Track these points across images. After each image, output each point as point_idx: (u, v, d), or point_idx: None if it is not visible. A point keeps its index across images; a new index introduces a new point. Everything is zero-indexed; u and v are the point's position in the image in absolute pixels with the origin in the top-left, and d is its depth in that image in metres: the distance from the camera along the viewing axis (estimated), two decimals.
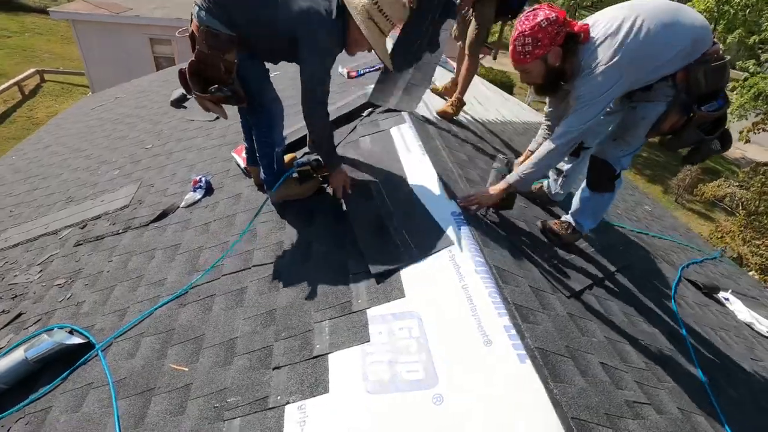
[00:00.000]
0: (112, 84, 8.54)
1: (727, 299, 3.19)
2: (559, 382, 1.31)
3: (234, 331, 1.73)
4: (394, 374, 1.37)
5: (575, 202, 2.35)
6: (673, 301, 2.46)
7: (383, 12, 1.90)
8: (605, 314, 1.89)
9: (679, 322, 2.25)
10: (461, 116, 3.46)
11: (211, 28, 1.85)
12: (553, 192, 2.73)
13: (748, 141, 12.44)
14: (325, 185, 2.39)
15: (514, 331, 1.39)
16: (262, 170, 2.33)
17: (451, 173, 2.29)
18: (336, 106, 3.04)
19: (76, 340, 1.88)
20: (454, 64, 4.11)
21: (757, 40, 11.04)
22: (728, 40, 11.86)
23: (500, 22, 3.66)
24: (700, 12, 10.07)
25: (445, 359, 1.38)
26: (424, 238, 1.83)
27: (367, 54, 2.12)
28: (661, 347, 1.93)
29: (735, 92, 12.89)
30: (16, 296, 2.41)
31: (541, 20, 1.79)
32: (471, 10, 3.14)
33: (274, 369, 1.51)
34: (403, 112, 2.72)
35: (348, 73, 3.84)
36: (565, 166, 2.61)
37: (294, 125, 2.84)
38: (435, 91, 3.78)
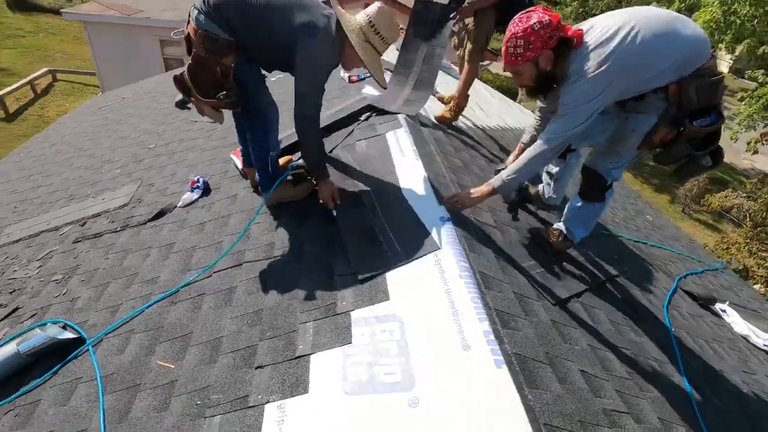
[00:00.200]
0: (122, 84, 8.66)
1: (724, 311, 3.15)
2: (535, 388, 1.32)
3: (221, 329, 1.75)
4: (372, 376, 1.38)
5: (567, 210, 2.35)
6: (665, 310, 2.45)
7: (379, 33, 1.93)
8: (591, 322, 1.88)
9: (670, 332, 2.24)
10: (461, 122, 3.48)
11: (209, 32, 1.89)
12: (546, 196, 2.73)
13: (756, 152, 12.27)
14: None
15: (492, 337, 1.40)
16: (257, 173, 2.36)
17: (443, 178, 2.31)
18: (335, 110, 3.08)
19: (69, 335, 1.92)
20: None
21: (766, 51, 10.91)
22: (737, 50, 11.73)
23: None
24: (705, 22, 10.08)
25: (424, 362, 1.39)
26: (411, 242, 1.84)
27: None
28: (648, 357, 1.92)
29: (744, 102, 12.76)
30: (14, 291, 2.46)
31: (534, 23, 1.77)
32: (472, 19, 3.17)
33: (256, 368, 1.53)
34: (400, 116, 2.74)
35: (349, 77, 3.87)
36: (554, 169, 2.61)
37: (290, 129, 2.87)
38: (441, 99, 3.80)
